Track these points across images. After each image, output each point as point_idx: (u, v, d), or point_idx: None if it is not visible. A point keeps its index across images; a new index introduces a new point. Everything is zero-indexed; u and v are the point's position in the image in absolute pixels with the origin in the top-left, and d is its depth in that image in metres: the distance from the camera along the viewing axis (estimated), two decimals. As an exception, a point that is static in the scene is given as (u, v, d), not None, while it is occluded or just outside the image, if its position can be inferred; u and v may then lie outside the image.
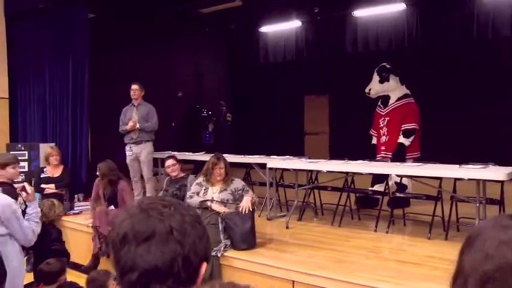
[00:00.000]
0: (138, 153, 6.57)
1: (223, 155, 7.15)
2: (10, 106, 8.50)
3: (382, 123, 6.38)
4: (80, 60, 7.37)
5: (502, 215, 0.86)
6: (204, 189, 4.72)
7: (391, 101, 6.37)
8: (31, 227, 3.23)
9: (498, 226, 0.75)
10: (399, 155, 6.09)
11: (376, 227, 5.17)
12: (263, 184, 6.21)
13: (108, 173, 5.42)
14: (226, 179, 4.66)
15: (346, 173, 5.60)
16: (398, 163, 5.44)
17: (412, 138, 6.18)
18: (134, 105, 6.73)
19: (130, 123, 6.52)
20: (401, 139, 6.17)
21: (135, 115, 6.64)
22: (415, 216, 5.33)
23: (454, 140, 8.76)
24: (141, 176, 6.73)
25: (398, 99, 6.35)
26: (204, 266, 0.99)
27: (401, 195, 5.49)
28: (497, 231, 0.74)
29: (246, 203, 4.48)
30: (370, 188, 6.09)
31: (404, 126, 6.18)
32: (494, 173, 4.34)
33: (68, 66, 7.49)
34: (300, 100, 11.71)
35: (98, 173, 5.54)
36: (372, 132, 6.68)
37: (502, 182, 4.57)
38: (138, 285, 0.93)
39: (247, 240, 4.48)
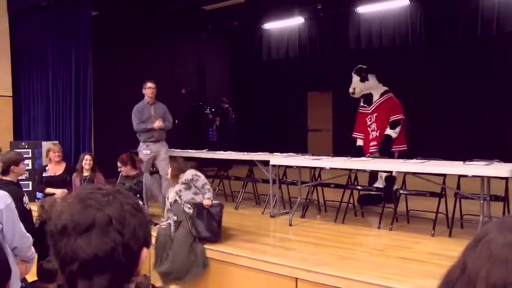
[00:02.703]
0: (157, 151, 6.50)
1: (228, 151, 7.20)
2: (13, 104, 8.52)
3: (370, 120, 6.44)
4: (83, 57, 7.37)
5: (508, 216, 0.86)
6: (170, 190, 5.13)
7: (375, 98, 6.46)
8: (28, 236, 3.12)
9: (504, 228, 0.75)
10: (385, 146, 6.19)
11: (379, 224, 5.15)
12: (266, 181, 6.20)
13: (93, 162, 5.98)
14: (176, 178, 5.02)
15: (350, 170, 5.58)
16: (402, 160, 5.42)
17: (398, 129, 6.26)
18: (150, 104, 6.57)
19: (158, 123, 6.40)
20: (388, 131, 6.26)
21: (154, 113, 6.53)
22: (419, 213, 5.31)
23: (459, 136, 8.72)
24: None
25: (381, 95, 6.46)
26: (145, 251, 1.00)
27: (405, 192, 5.47)
28: (503, 232, 0.74)
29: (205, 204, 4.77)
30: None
31: (391, 118, 6.28)
32: (498, 169, 4.31)
33: (71, 64, 7.50)
34: (303, 97, 11.69)
35: (85, 162, 5.90)
36: (356, 135, 6.68)
37: (506, 178, 4.54)
38: (79, 276, 0.93)
39: (213, 232, 4.67)
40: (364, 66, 6.57)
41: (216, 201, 4.93)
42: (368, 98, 6.51)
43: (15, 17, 8.36)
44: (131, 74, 9.22)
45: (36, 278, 3.70)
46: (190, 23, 10.63)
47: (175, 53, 10.59)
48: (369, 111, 6.48)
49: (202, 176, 5.07)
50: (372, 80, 6.48)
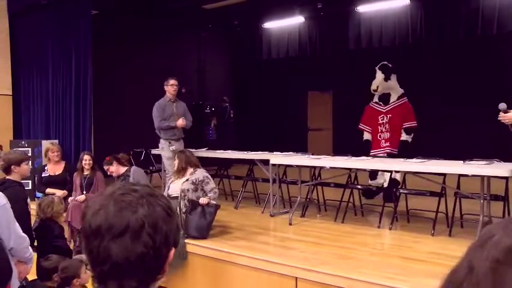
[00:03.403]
0: (178, 149, 6.20)
1: (228, 150, 7.18)
2: (13, 103, 8.51)
3: (382, 119, 6.52)
4: (83, 56, 7.36)
5: (510, 218, 0.86)
6: (171, 181, 5.19)
7: (392, 99, 6.52)
8: (25, 237, 3.05)
9: (510, 229, 0.75)
10: (404, 152, 6.23)
11: (379, 223, 5.15)
12: (266, 180, 6.20)
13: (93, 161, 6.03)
14: (182, 171, 5.04)
15: (350, 169, 5.58)
16: (402, 159, 5.42)
17: (412, 135, 6.39)
18: (172, 101, 6.39)
19: (181, 121, 6.25)
20: (405, 137, 6.38)
21: (176, 111, 6.35)
22: (419, 213, 5.31)
23: (459, 136, 8.72)
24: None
25: (399, 97, 6.53)
26: (173, 251, 1.02)
27: (405, 191, 5.47)
28: (510, 234, 0.74)
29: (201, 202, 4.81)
30: (369, 182, 6.25)
31: (406, 124, 6.39)
32: (498, 169, 4.30)
33: (71, 63, 7.49)
34: (304, 96, 11.69)
35: (84, 162, 5.89)
36: (363, 127, 6.74)
37: (506, 178, 4.54)
38: (110, 276, 0.96)
39: (200, 231, 4.71)
40: (390, 65, 6.57)
41: (214, 202, 4.89)
42: (385, 97, 6.55)
43: (15, 16, 8.36)
44: (131, 73, 9.23)
45: (36, 277, 3.70)
46: (191, 22, 10.62)
47: (175, 52, 10.58)
48: (383, 111, 6.54)
49: (212, 180, 5.04)
50: (393, 80, 6.53)
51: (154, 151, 7.79)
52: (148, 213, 0.96)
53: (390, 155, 6.22)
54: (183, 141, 6.55)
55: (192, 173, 4.99)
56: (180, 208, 4.77)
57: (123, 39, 9.12)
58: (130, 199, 0.97)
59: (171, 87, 6.33)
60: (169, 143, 6.32)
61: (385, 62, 6.60)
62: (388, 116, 6.45)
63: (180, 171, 5.04)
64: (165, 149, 6.35)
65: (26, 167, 3.95)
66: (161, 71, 10.11)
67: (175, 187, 5.01)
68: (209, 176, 5.02)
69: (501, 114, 3.94)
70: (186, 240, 4.68)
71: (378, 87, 6.49)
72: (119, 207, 0.96)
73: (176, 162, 5.11)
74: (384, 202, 5.36)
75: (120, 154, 6.03)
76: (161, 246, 0.97)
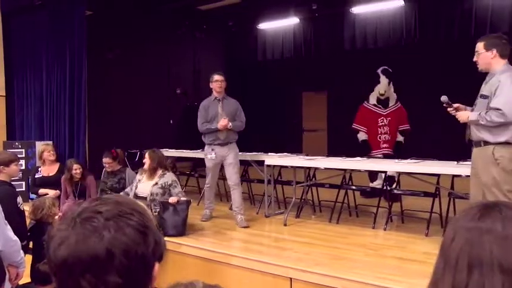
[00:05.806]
0: (224, 155, 5.52)
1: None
2: (7, 103, 8.46)
3: (382, 122, 6.69)
4: (78, 57, 7.33)
5: (469, 208, 0.92)
6: (138, 181, 5.17)
7: (391, 103, 6.73)
8: (16, 241, 2.98)
9: (486, 216, 0.85)
10: (398, 151, 6.58)
11: (374, 224, 5.16)
12: (261, 181, 6.20)
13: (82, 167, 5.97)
14: (153, 172, 5.04)
15: (344, 170, 5.59)
16: (396, 160, 5.45)
17: (403, 138, 6.77)
18: (218, 100, 5.62)
19: (222, 122, 5.41)
20: (400, 138, 6.72)
21: (222, 111, 5.56)
22: (413, 213, 5.33)
23: (453, 136, 8.74)
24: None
25: (396, 101, 6.78)
26: (157, 266, 0.92)
27: (400, 192, 5.49)
28: (496, 221, 0.84)
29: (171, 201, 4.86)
30: (370, 184, 6.29)
31: (402, 127, 6.73)
32: (492, 169, 4.31)
33: (66, 64, 7.46)
34: (298, 97, 11.70)
35: (75, 172, 5.76)
36: (357, 127, 6.80)
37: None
38: None
39: (177, 228, 4.83)
40: (390, 70, 6.74)
41: (183, 199, 4.96)
42: (385, 101, 6.71)
43: (8, 16, 8.31)
44: (126, 74, 9.21)
45: (29, 280, 3.66)
46: (186, 23, 10.60)
47: (170, 53, 10.57)
48: (383, 113, 6.67)
49: (179, 184, 5.18)
50: (391, 84, 6.75)
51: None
52: (116, 238, 0.84)
53: (386, 156, 6.41)
54: (236, 144, 5.73)
55: (161, 175, 5.02)
56: (151, 209, 4.82)
57: (118, 39, 9.09)
58: (95, 224, 0.85)
59: (215, 83, 5.58)
60: (212, 149, 5.54)
61: (386, 67, 6.72)
62: (388, 118, 6.66)
63: (152, 172, 5.05)
64: (206, 157, 5.64)
65: (15, 168, 3.92)
66: (156, 71, 10.13)
67: (143, 188, 5.04)
68: (177, 180, 5.14)
69: (453, 111, 4.07)
70: (167, 238, 4.68)
71: (385, 91, 6.60)
72: (83, 236, 0.84)
73: (147, 161, 5.08)
74: (390, 202, 5.32)
75: (119, 150, 6.15)
76: (138, 270, 0.86)
